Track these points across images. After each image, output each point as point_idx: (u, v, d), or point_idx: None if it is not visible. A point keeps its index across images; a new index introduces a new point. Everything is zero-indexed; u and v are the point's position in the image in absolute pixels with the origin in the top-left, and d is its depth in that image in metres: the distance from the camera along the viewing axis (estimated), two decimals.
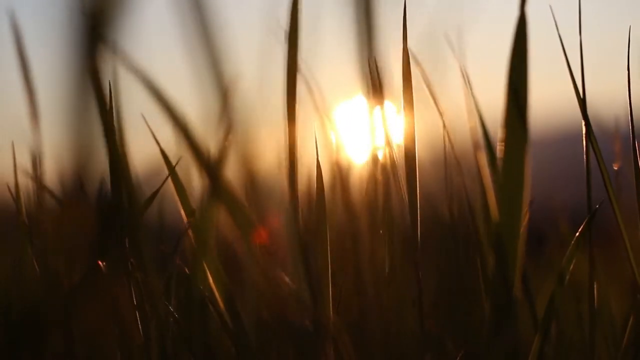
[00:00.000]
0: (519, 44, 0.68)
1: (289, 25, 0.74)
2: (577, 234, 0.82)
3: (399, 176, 0.77)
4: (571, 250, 0.81)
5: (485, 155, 0.88)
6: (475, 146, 0.76)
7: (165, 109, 0.66)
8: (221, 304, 0.81)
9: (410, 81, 0.78)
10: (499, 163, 0.70)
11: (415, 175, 0.77)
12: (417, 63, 0.79)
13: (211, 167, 0.67)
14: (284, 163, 0.74)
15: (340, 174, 0.78)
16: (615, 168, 0.94)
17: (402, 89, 0.77)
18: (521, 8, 0.68)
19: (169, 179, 0.84)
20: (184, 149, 0.68)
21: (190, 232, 0.82)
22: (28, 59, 0.88)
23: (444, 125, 0.81)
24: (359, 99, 0.73)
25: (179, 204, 0.84)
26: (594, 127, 0.82)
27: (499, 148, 0.70)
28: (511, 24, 0.68)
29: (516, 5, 0.68)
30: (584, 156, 0.82)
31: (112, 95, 0.76)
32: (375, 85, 0.71)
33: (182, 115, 0.66)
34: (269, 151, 0.75)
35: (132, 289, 0.80)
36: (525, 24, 0.68)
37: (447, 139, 0.82)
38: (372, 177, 0.79)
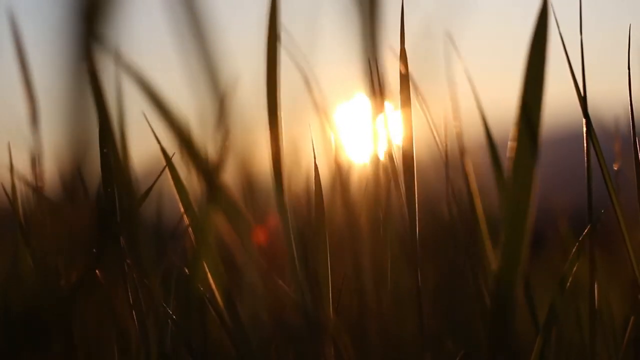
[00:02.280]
0: (538, 38, 0.66)
1: (268, 20, 0.74)
2: (580, 239, 0.82)
3: (398, 176, 0.77)
4: (573, 257, 0.81)
5: (486, 154, 0.88)
6: (462, 150, 0.75)
7: (161, 112, 0.66)
8: (221, 304, 0.81)
9: (408, 81, 0.77)
10: (508, 162, 0.69)
11: (413, 175, 0.77)
12: (415, 63, 0.79)
13: (208, 170, 0.67)
14: (270, 164, 0.74)
15: (340, 174, 0.77)
16: (616, 168, 0.94)
17: (399, 89, 0.77)
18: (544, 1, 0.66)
19: (169, 179, 0.84)
20: (180, 151, 0.68)
21: (189, 232, 0.82)
22: (27, 59, 0.88)
23: (442, 126, 0.81)
24: (359, 98, 0.73)
25: (178, 202, 0.83)
26: (594, 127, 0.82)
27: (510, 146, 0.69)
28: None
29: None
30: (585, 155, 0.82)
31: (111, 95, 0.76)
32: (375, 86, 0.70)
33: (178, 117, 0.66)
34: (266, 153, 0.74)
35: (129, 289, 0.80)
36: (547, 17, 0.66)
37: (445, 139, 0.81)
38: (372, 178, 0.78)
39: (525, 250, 0.71)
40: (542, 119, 0.68)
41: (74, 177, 0.57)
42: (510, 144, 0.69)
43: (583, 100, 0.82)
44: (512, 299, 0.71)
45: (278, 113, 0.75)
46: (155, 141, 0.85)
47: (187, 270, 0.83)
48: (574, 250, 0.81)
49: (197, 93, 0.59)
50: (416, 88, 0.79)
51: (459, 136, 0.76)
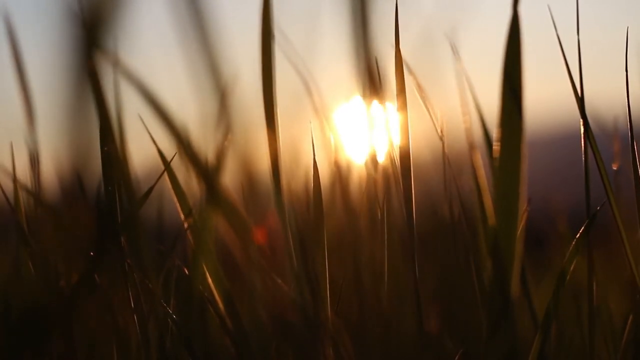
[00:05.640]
0: (512, 43, 0.68)
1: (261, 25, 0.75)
2: (577, 236, 0.82)
3: (396, 176, 0.77)
4: (571, 253, 0.81)
5: (485, 155, 0.88)
6: (472, 147, 0.76)
7: (160, 115, 0.66)
8: (220, 305, 0.81)
9: (404, 82, 0.78)
10: (495, 163, 0.70)
11: (410, 176, 0.77)
12: (412, 64, 0.80)
13: (207, 172, 0.67)
14: (268, 164, 0.74)
15: (339, 174, 0.78)
16: (614, 168, 0.94)
17: (395, 90, 0.78)
18: (514, 7, 0.68)
19: (167, 180, 0.84)
20: (179, 153, 0.68)
21: (188, 232, 0.82)
22: (23, 62, 0.88)
23: (441, 127, 0.81)
24: (357, 99, 0.73)
25: (176, 204, 0.84)
26: (592, 127, 0.82)
27: (495, 148, 0.70)
28: (506, 24, 0.68)
29: (510, 5, 0.68)
30: (583, 156, 0.82)
31: (111, 97, 0.76)
32: (372, 86, 0.71)
33: (176, 120, 0.66)
34: (266, 153, 0.75)
35: (129, 290, 0.81)
36: (519, 24, 0.68)
37: (443, 140, 0.82)
38: (371, 178, 0.79)
39: (519, 247, 0.72)
40: (525, 115, 0.69)
41: (73, 178, 0.58)
42: (495, 146, 0.70)
43: (580, 100, 0.82)
44: (511, 298, 0.72)
45: (275, 113, 0.75)
46: (157, 141, 0.85)
47: (187, 271, 0.84)
48: (572, 244, 0.81)
49: (198, 91, 0.60)
50: (418, 87, 0.79)
51: (468, 131, 0.76)
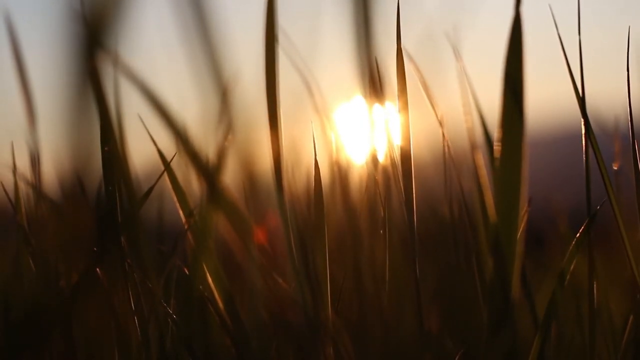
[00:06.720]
0: (514, 43, 0.68)
1: (265, 22, 0.75)
2: (577, 236, 0.82)
3: (397, 176, 0.77)
4: (571, 252, 0.81)
5: (486, 155, 0.88)
6: (473, 147, 0.76)
7: (162, 115, 0.66)
8: (220, 305, 0.81)
9: (405, 82, 0.78)
10: (496, 163, 0.70)
11: (411, 175, 0.77)
12: (414, 63, 0.80)
13: (208, 171, 0.67)
14: (270, 164, 0.74)
15: (340, 174, 0.78)
16: (615, 168, 0.94)
17: (397, 89, 0.78)
18: (516, 8, 0.68)
19: (167, 180, 0.84)
20: (181, 153, 0.68)
21: (189, 233, 0.82)
22: (24, 61, 0.88)
23: (442, 126, 0.81)
24: (358, 99, 0.73)
25: (177, 204, 0.84)
26: (593, 127, 0.82)
27: (496, 148, 0.70)
28: (508, 24, 0.68)
29: (512, 5, 0.68)
30: (584, 156, 0.82)
31: (112, 96, 0.76)
32: (373, 86, 0.71)
33: (177, 119, 0.66)
34: (268, 152, 0.75)
35: (130, 289, 0.81)
36: (521, 24, 0.68)
37: (445, 139, 0.82)
38: (371, 177, 0.79)
39: (519, 246, 0.72)
40: (526, 115, 0.69)
41: (74, 178, 0.58)
42: (496, 146, 0.70)
43: (582, 100, 0.82)
44: (511, 297, 0.72)
45: (278, 113, 0.75)
46: (157, 141, 0.85)
47: (187, 270, 0.83)
48: (572, 244, 0.81)
49: (200, 89, 0.60)
50: (420, 87, 0.79)
51: (469, 131, 0.76)
